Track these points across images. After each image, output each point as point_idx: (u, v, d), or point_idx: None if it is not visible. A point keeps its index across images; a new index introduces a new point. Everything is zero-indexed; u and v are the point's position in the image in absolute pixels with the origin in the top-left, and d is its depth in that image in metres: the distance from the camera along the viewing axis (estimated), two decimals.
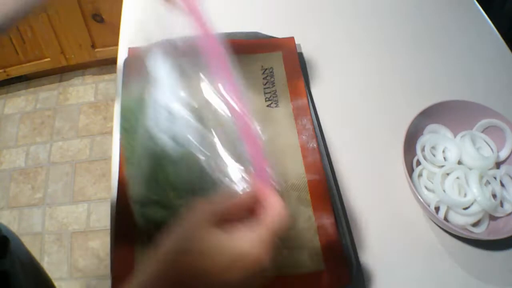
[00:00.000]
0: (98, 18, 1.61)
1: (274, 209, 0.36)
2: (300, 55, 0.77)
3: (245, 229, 0.35)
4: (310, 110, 0.68)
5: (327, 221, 0.58)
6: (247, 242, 0.34)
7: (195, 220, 0.35)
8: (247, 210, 0.37)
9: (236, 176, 0.42)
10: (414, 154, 0.64)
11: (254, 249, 0.34)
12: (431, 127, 0.66)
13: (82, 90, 1.86)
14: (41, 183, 1.62)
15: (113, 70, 0.75)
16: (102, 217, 1.54)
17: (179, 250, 0.34)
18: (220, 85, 0.44)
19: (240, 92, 0.42)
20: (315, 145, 0.64)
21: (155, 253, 0.34)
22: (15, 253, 0.65)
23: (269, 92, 0.70)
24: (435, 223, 0.61)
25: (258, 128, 0.41)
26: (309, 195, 0.59)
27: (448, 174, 0.61)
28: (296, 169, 0.62)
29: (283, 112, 0.68)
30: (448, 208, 0.59)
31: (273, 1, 0.87)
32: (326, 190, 0.60)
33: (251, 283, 0.35)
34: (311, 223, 0.57)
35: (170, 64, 0.47)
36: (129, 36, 0.80)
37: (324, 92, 0.73)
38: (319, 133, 0.66)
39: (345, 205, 0.62)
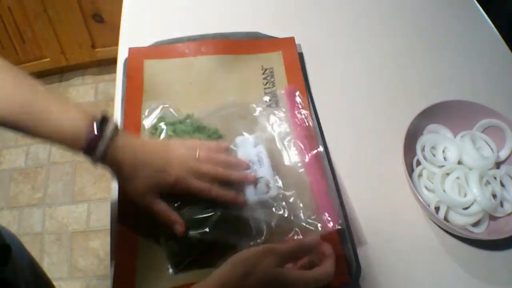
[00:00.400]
0: (98, 18, 1.61)
1: (326, 266, 0.46)
2: (300, 55, 0.77)
3: (301, 273, 0.44)
4: (310, 110, 0.68)
5: (327, 221, 0.57)
6: (301, 284, 0.43)
7: (264, 252, 0.43)
8: (305, 254, 0.48)
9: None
10: (414, 154, 0.64)
11: None
12: (431, 127, 0.66)
13: (82, 90, 1.86)
14: (41, 183, 1.62)
15: (113, 70, 0.75)
16: (102, 217, 1.54)
17: (247, 274, 0.41)
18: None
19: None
20: (315, 146, 0.64)
21: (220, 273, 0.42)
22: (17, 261, 0.64)
23: (269, 92, 0.70)
24: (435, 223, 0.61)
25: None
26: (310, 195, 0.59)
27: (448, 174, 0.61)
28: (296, 169, 0.62)
29: (283, 112, 0.68)
30: (448, 208, 0.59)
31: (274, 1, 0.87)
32: (326, 190, 0.60)
33: None
34: (311, 223, 0.57)
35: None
36: (129, 36, 0.80)
37: (324, 92, 0.73)
38: (319, 133, 0.66)
39: (345, 205, 0.62)
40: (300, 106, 0.67)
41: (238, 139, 0.62)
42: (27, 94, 0.47)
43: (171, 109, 0.65)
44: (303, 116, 0.66)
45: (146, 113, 0.65)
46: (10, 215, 1.55)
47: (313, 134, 0.65)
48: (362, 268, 0.56)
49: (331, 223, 0.56)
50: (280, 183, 0.59)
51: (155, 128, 0.63)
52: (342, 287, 0.54)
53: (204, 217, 0.53)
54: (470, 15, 0.87)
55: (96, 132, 0.48)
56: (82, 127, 0.48)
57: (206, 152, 0.55)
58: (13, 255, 0.63)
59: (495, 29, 0.84)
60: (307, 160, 0.61)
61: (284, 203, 0.57)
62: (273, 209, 0.56)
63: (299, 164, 0.61)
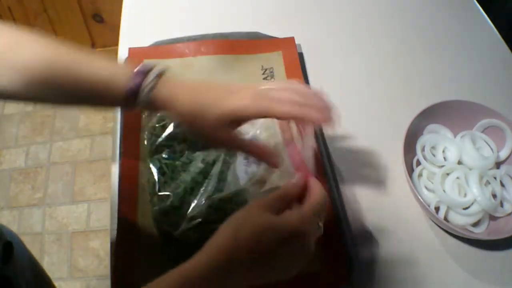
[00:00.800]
0: (98, 18, 1.61)
1: (315, 192, 0.42)
2: (300, 55, 0.77)
3: (292, 211, 0.40)
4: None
5: (327, 221, 0.57)
6: (294, 219, 0.38)
7: (249, 207, 0.39)
8: (295, 199, 0.42)
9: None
10: (414, 154, 0.64)
11: (301, 224, 0.38)
12: (431, 127, 0.66)
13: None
14: (41, 183, 1.62)
15: None
16: (102, 217, 1.54)
17: (236, 233, 0.38)
18: None
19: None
20: (315, 145, 0.64)
21: (211, 241, 0.38)
22: (17, 259, 0.64)
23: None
24: (435, 223, 0.61)
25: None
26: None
27: (448, 174, 0.61)
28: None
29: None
30: (448, 208, 0.59)
31: (274, 1, 0.87)
32: (326, 190, 0.60)
33: (298, 260, 0.40)
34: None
35: None
36: (129, 36, 0.80)
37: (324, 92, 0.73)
38: (319, 133, 0.66)
39: (345, 204, 0.62)
40: None
41: None
42: (69, 50, 0.46)
43: None
44: None
45: (146, 113, 0.65)
46: (10, 215, 1.55)
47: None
48: (361, 268, 0.56)
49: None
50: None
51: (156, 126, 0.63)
52: (341, 287, 0.54)
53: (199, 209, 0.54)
54: (470, 15, 0.87)
55: (140, 70, 0.44)
56: (124, 69, 0.45)
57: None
58: (14, 253, 0.63)
59: (495, 29, 0.84)
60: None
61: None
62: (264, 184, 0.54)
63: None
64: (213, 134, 0.45)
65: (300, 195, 0.43)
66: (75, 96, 0.46)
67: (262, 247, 0.37)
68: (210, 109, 0.44)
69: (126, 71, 0.45)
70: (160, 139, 0.61)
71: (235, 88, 0.46)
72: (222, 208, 0.54)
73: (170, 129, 0.62)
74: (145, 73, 0.44)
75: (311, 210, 0.40)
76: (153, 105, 0.45)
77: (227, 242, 0.37)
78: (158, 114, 0.65)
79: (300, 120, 0.48)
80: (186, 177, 0.57)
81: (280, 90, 0.46)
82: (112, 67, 0.45)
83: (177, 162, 0.59)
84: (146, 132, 0.64)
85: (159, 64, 0.46)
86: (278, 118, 0.45)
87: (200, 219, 0.53)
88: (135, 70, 0.45)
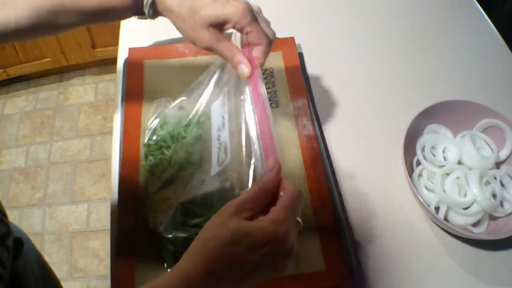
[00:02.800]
0: None
1: (287, 189, 0.39)
2: (300, 55, 0.77)
3: (265, 216, 0.37)
4: (310, 110, 0.68)
5: (327, 221, 0.58)
6: (267, 224, 0.36)
7: (221, 215, 0.37)
8: (266, 201, 0.39)
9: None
10: (414, 154, 0.64)
11: (274, 228, 0.36)
12: (431, 127, 0.66)
13: (82, 90, 1.86)
14: (41, 183, 1.62)
15: (113, 70, 0.75)
16: (102, 217, 1.54)
17: (208, 238, 0.36)
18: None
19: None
20: (315, 145, 0.64)
21: (186, 253, 0.37)
22: (27, 255, 0.65)
23: (270, 93, 0.70)
24: (435, 223, 0.61)
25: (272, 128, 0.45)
26: (310, 195, 0.59)
27: (448, 174, 0.61)
28: (296, 169, 0.62)
29: (284, 112, 0.68)
30: (448, 208, 0.59)
31: (273, 1, 0.87)
32: (326, 190, 0.60)
33: (279, 262, 0.37)
34: (311, 223, 0.57)
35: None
36: (129, 36, 0.80)
37: (324, 92, 0.73)
38: (319, 133, 0.66)
39: (345, 204, 0.62)
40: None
41: (212, 106, 0.56)
42: None
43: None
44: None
45: (151, 113, 0.65)
46: (10, 215, 1.54)
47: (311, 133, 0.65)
48: (361, 268, 0.57)
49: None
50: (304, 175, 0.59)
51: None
52: (342, 287, 0.54)
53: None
54: (470, 15, 0.87)
55: None
56: None
57: None
58: (24, 249, 0.63)
59: (495, 29, 0.84)
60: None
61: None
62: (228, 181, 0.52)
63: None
64: (202, 33, 0.49)
65: (273, 191, 0.40)
66: (84, 14, 0.49)
67: (236, 257, 0.35)
68: (199, 12, 0.49)
69: None
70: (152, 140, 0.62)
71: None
72: (190, 209, 0.54)
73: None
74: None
75: (284, 211, 0.37)
76: (157, 5, 0.49)
77: (199, 257, 0.36)
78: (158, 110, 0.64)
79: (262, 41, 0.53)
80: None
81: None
82: None
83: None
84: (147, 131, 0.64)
85: None
86: (249, 33, 0.51)
87: (170, 235, 0.52)
88: None
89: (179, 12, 0.49)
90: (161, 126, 0.62)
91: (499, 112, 0.64)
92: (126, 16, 0.51)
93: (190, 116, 0.58)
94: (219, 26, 0.50)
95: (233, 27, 0.51)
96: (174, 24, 0.51)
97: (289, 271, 0.54)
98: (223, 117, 0.53)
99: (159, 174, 0.58)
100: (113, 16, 0.51)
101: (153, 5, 0.50)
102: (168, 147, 0.59)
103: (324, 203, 0.59)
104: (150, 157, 0.60)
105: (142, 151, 0.63)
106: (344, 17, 0.85)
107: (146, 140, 0.62)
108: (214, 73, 0.57)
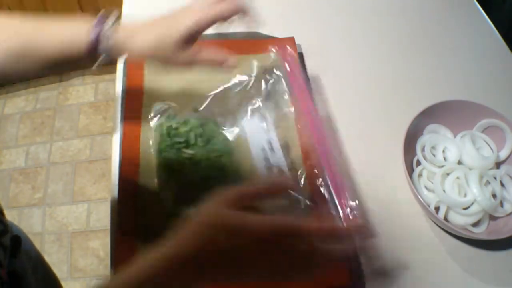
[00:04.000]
0: None
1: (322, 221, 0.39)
2: (300, 55, 0.77)
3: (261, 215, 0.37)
4: (310, 111, 0.68)
5: (327, 221, 0.57)
6: (256, 219, 0.36)
7: (208, 204, 0.38)
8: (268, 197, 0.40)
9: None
10: (414, 154, 0.64)
11: (259, 227, 0.36)
12: (431, 127, 0.66)
13: (82, 90, 1.86)
14: (41, 183, 1.62)
15: (113, 70, 0.75)
16: (102, 217, 1.54)
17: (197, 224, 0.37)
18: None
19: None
20: (315, 146, 0.64)
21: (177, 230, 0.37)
22: (26, 253, 0.65)
23: (269, 93, 0.70)
24: (435, 223, 0.61)
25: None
26: (310, 196, 0.59)
27: (448, 174, 0.61)
28: (296, 170, 0.62)
29: (283, 112, 0.68)
30: (448, 208, 0.59)
31: (273, 1, 0.87)
32: (326, 185, 0.60)
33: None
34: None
35: None
36: None
37: (324, 92, 0.73)
38: (319, 129, 0.66)
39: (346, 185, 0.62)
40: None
41: (244, 122, 0.61)
42: (22, 25, 0.49)
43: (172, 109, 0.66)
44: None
45: (152, 114, 0.66)
46: (10, 215, 1.54)
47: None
48: (362, 268, 0.56)
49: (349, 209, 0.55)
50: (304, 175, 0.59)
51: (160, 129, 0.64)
52: (342, 287, 0.54)
53: None
54: (470, 15, 0.87)
55: (97, 22, 0.49)
56: (82, 25, 0.49)
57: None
58: (24, 249, 0.63)
59: (495, 29, 0.84)
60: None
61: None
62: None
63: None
64: (176, 56, 0.50)
65: (272, 192, 0.40)
66: (43, 62, 0.49)
67: (212, 241, 0.35)
68: (167, 37, 0.50)
69: (85, 26, 0.49)
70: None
71: (179, 12, 0.52)
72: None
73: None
74: (102, 22, 0.49)
75: (292, 225, 0.36)
76: (114, 51, 0.49)
77: (184, 232, 0.37)
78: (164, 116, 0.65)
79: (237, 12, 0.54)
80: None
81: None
82: (71, 26, 0.49)
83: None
84: (152, 133, 0.64)
85: (114, 11, 0.51)
86: (224, 18, 0.52)
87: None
88: (93, 22, 0.49)
89: (148, 46, 0.50)
90: (184, 123, 0.64)
91: (499, 112, 0.64)
92: (81, 61, 0.51)
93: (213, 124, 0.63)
94: (191, 39, 0.51)
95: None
96: (145, 57, 0.52)
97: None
98: (269, 142, 0.59)
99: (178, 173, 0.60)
100: (74, 63, 0.50)
101: (113, 46, 0.49)
102: (191, 145, 0.62)
103: (324, 203, 0.59)
104: (165, 153, 0.62)
105: (143, 150, 0.63)
106: (344, 17, 0.85)
107: (154, 138, 0.64)
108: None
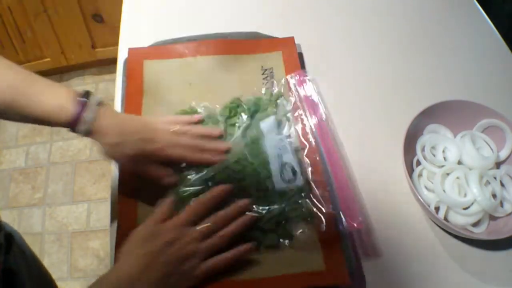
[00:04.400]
0: (98, 18, 1.61)
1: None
2: (300, 55, 0.77)
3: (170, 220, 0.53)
4: (312, 109, 0.68)
5: (327, 221, 0.57)
6: (169, 225, 0.52)
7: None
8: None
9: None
10: (414, 154, 0.64)
11: (173, 229, 0.51)
12: (431, 127, 0.66)
13: (82, 89, 1.86)
14: (41, 183, 1.62)
15: (113, 70, 0.75)
16: (102, 217, 1.54)
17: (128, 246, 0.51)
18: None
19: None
20: (315, 147, 0.64)
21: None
22: (19, 250, 0.65)
23: (269, 93, 0.70)
24: (435, 223, 0.61)
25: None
26: (311, 193, 0.59)
27: (448, 174, 0.61)
28: (301, 167, 0.62)
29: (282, 113, 0.68)
30: (448, 208, 0.59)
31: (274, 1, 0.87)
32: (326, 189, 0.60)
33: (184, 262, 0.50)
34: (311, 224, 0.57)
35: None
36: (129, 36, 0.80)
37: (324, 92, 0.73)
38: (317, 134, 0.66)
39: (353, 192, 0.62)
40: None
41: (262, 125, 0.64)
42: (15, 79, 0.53)
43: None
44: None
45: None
46: (10, 215, 1.55)
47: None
48: (361, 268, 0.56)
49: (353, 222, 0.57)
50: (309, 173, 0.61)
51: None
52: (342, 287, 0.54)
53: None
54: (470, 15, 0.87)
55: (81, 103, 0.53)
56: (68, 100, 0.52)
57: (182, 125, 0.61)
58: (15, 247, 0.63)
59: (495, 29, 0.84)
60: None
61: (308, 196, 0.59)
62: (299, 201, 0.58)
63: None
64: (131, 164, 0.57)
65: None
66: (28, 118, 0.53)
67: (149, 249, 0.48)
68: (130, 144, 0.55)
69: (68, 104, 0.53)
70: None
71: (150, 134, 0.57)
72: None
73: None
74: (83, 106, 0.53)
75: (183, 219, 0.52)
76: (88, 135, 0.54)
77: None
78: None
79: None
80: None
81: (187, 135, 0.60)
82: (56, 99, 0.52)
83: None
84: None
85: (95, 95, 0.55)
86: (187, 162, 0.60)
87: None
88: (76, 101, 0.53)
89: (113, 145, 0.55)
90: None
91: (499, 112, 0.64)
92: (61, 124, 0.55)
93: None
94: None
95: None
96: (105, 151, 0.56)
97: (289, 271, 0.54)
98: (282, 141, 0.62)
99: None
100: (54, 124, 0.54)
101: (88, 131, 0.54)
102: None
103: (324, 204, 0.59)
104: None
105: None
106: (344, 17, 0.85)
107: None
108: None
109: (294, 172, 0.59)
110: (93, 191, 1.60)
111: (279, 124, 0.64)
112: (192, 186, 0.58)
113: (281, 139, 0.62)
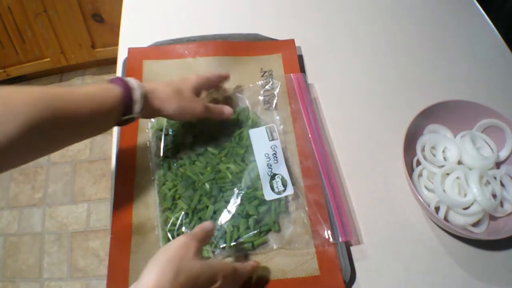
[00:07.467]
0: (98, 18, 1.61)
1: (247, 266, 0.52)
2: (300, 57, 0.77)
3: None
4: (308, 113, 0.68)
5: (323, 225, 0.57)
6: (219, 268, 0.47)
7: (179, 251, 0.45)
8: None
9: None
10: (414, 154, 0.64)
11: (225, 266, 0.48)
12: (431, 127, 0.66)
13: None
14: (41, 183, 1.62)
15: (113, 70, 0.75)
16: (102, 217, 1.54)
17: (177, 278, 0.43)
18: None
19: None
20: (312, 148, 0.64)
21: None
22: None
23: (268, 95, 0.70)
24: (435, 223, 0.61)
25: None
26: (305, 200, 0.59)
27: (448, 174, 0.61)
28: (293, 173, 0.62)
29: (282, 115, 0.68)
30: (448, 208, 0.59)
31: (274, 3, 0.87)
32: (322, 195, 0.60)
33: None
34: (307, 228, 0.57)
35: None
36: (129, 36, 0.80)
37: (323, 93, 0.73)
38: (317, 135, 0.66)
39: (344, 204, 0.62)
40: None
41: (251, 132, 0.63)
42: (52, 90, 0.46)
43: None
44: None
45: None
46: (10, 215, 1.55)
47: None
48: (361, 268, 0.56)
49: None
50: (301, 183, 0.61)
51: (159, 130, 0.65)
52: None
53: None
54: (470, 15, 0.87)
55: (117, 80, 0.52)
56: (105, 84, 0.52)
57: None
58: None
59: (495, 29, 0.84)
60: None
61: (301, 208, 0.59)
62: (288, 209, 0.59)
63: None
64: (194, 104, 0.60)
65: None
66: (76, 122, 0.48)
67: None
68: (188, 111, 0.59)
69: (109, 86, 0.51)
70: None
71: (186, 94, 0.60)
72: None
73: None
74: (122, 81, 0.53)
75: (233, 269, 0.49)
76: (147, 111, 0.55)
77: (169, 284, 0.41)
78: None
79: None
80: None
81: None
82: (94, 87, 0.50)
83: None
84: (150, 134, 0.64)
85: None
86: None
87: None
88: (111, 82, 0.52)
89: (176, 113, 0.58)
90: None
91: (499, 112, 0.64)
92: (115, 118, 0.52)
93: None
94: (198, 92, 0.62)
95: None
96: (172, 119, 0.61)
97: (284, 276, 0.54)
98: (273, 149, 0.61)
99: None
100: (103, 121, 0.51)
101: (145, 97, 0.54)
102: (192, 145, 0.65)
103: (320, 208, 0.59)
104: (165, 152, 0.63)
105: (139, 151, 0.63)
106: (343, 19, 0.85)
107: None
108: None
109: (284, 183, 0.59)
110: (93, 191, 1.60)
111: (271, 132, 0.63)
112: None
113: (272, 147, 0.61)
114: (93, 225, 1.53)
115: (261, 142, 0.62)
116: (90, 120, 0.49)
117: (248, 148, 0.62)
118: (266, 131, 0.63)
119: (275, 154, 0.61)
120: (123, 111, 0.52)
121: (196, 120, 0.60)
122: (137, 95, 0.52)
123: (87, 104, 0.48)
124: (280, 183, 0.58)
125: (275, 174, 0.59)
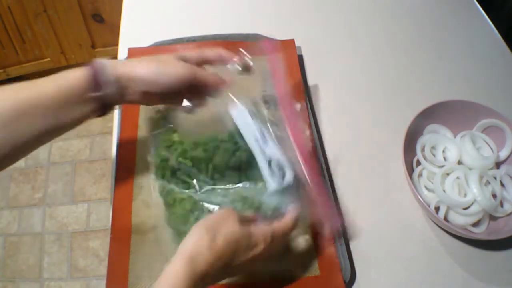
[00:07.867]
0: (98, 18, 1.61)
1: (284, 220, 0.50)
2: (300, 57, 0.77)
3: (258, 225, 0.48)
4: (308, 114, 0.68)
5: (323, 225, 0.57)
6: (261, 230, 0.47)
7: (222, 216, 0.46)
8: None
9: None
10: (414, 154, 0.64)
11: (265, 234, 0.47)
12: (431, 127, 0.66)
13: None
14: (41, 183, 1.62)
15: None
16: (102, 217, 1.54)
17: (212, 240, 0.43)
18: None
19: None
20: (311, 148, 0.64)
21: (185, 248, 0.42)
22: None
23: (268, 95, 0.70)
24: (435, 223, 0.61)
25: None
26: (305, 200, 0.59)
27: (448, 174, 0.61)
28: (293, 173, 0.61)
29: (281, 115, 0.67)
30: (448, 208, 0.59)
31: (274, 3, 0.87)
32: (322, 194, 0.60)
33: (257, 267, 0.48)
34: (306, 228, 0.57)
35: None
36: (129, 36, 0.80)
37: (324, 94, 0.73)
38: (317, 137, 0.66)
39: (345, 205, 0.62)
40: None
41: (233, 111, 0.58)
42: (18, 85, 0.45)
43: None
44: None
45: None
46: (10, 215, 1.55)
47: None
48: (361, 268, 0.56)
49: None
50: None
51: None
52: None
53: None
54: (470, 15, 0.87)
55: (87, 64, 0.49)
56: (72, 70, 0.48)
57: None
58: None
59: (495, 29, 0.84)
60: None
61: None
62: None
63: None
64: (183, 69, 0.51)
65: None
66: (43, 119, 0.46)
67: (235, 254, 0.44)
68: (166, 72, 0.51)
69: (77, 70, 0.48)
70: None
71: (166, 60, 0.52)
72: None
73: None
74: (95, 63, 0.49)
75: (272, 232, 0.48)
76: (118, 83, 0.49)
77: (205, 249, 0.42)
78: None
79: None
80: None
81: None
82: (59, 76, 0.47)
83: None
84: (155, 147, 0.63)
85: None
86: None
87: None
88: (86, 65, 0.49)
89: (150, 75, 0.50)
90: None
91: (499, 112, 0.64)
92: (85, 99, 0.48)
93: None
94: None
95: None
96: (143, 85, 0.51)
97: (284, 276, 0.54)
98: (260, 130, 0.56)
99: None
100: (75, 110, 0.48)
101: (117, 77, 0.49)
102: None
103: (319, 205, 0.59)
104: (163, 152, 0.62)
105: (139, 152, 0.63)
106: (343, 19, 0.85)
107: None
108: None
109: (280, 167, 0.53)
110: (93, 191, 1.60)
111: (256, 108, 0.58)
112: None
113: (260, 128, 0.55)
114: (93, 225, 1.53)
115: (246, 122, 0.57)
116: (56, 105, 0.46)
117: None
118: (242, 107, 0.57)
119: (263, 135, 0.55)
120: (92, 88, 0.48)
121: (179, 87, 0.51)
122: (101, 63, 0.49)
123: (49, 85, 0.46)
124: (277, 168, 0.54)
125: (271, 160, 0.54)
